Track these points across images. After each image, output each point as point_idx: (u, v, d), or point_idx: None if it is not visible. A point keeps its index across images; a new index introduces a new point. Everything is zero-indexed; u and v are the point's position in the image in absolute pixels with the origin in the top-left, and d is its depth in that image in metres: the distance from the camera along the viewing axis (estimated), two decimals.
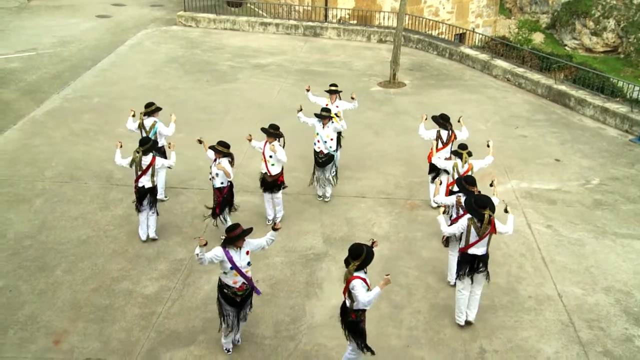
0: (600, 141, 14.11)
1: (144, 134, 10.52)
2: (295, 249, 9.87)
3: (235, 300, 7.34)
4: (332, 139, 10.72)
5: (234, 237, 7.02)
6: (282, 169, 10.11)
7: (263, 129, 9.87)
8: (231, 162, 9.38)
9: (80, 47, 19.64)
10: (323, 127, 10.64)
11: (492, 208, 7.66)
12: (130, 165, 9.55)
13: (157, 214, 9.90)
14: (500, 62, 18.27)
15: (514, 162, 12.88)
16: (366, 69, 18.58)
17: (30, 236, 9.97)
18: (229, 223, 9.55)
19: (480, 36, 21.10)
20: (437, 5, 24.69)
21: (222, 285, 7.32)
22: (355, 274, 6.62)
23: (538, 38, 28.90)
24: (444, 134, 10.60)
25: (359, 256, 6.63)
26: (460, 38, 22.43)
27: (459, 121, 10.92)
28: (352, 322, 6.87)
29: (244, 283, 7.26)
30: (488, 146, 9.95)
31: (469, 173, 9.34)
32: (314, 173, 11.07)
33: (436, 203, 10.19)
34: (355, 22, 22.82)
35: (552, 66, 17.83)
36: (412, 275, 9.31)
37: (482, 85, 17.53)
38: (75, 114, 14.68)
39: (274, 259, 9.55)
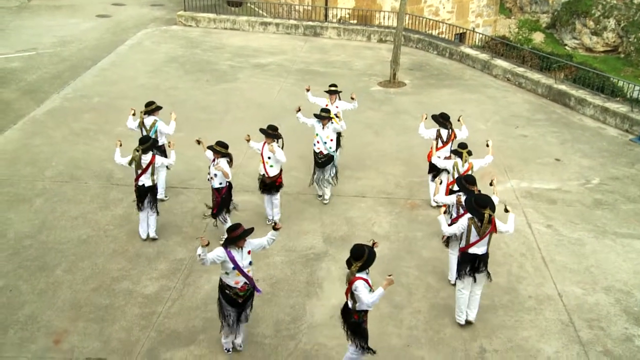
0: (600, 141, 14.11)
1: (144, 133, 10.53)
2: (296, 248, 9.87)
3: (236, 301, 7.30)
4: (331, 140, 10.70)
5: (236, 237, 7.00)
6: (281, 170, 10.09)
7: (262, 130, 9.82)
8: (230, 163, 9.33)
9: (80, 47, 19.64)
10: (323, 128, 10.61)
11: (493, 207, 7.66)
12: (130, 164, 9.54)
13: (158, 213, 9.90)
14: (500, 62, 18.27)
15: (514, 162, 12.88)
16: (366, 69, 18.58)
17: (30, 236, 9.97)
18: (229, 223, 9.57)
19: (481, 36, 21.10)
20: (437, 4, 24.69)
21: (223, 286, 7.29)
22: (358, 275, 6.61)
23: (538, 38, 28.91)
24: (444, 133, 10.61)
25: (361, 257, 6.62)
26: (461, 38, 22.43)
27: (458, 120, 10.93)
28: (355, 323, 6.86)
29: (245, 283, 7.24)
30: (487, 146, 9.96)
31: (469, 172, 9.34)
32: (314, 173, 11.06)
33: (436, 202, 10.20)
34: (355, 21, 22.82)
35: (552, 66, 17.83)
36: (413, 274, 9.31)
37: (482, 84, 17.53)
38: (75, 113, 14.68)
39: (274, 258, 9.55)
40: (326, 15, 22.81)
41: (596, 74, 16.86)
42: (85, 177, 11.83)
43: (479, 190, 8.34)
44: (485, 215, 7.57)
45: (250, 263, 7.22)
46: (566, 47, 28.96)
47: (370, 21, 22.87)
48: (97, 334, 7.98)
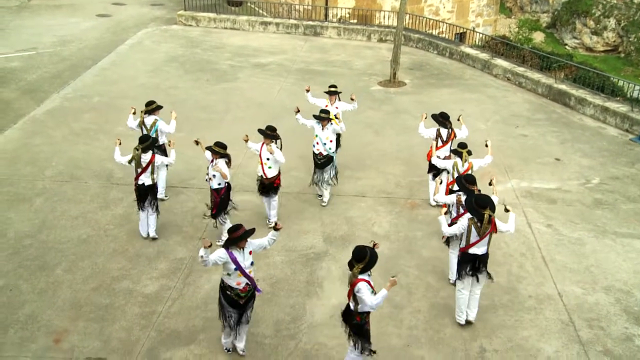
0: (600, 140, 14.11)
1: (145, 132, 10.52)
2: (296, 248, 9.87)
3: (238, 303, 7.26)
4: (331, 141, 10.65)
5: (237, 237, 6.96)
6: (279, 171, 10.07)
7: (260, 130, 9.77)
8: (228, 163, 9.28)
9: (80, 47, 19.64)
10: (322, 129, 10.56)
11: (493, 208, 7.65)
12: (130, 162, 9.54)
13: (158, 212, 9.90)
14: (500, 62, 18.27)
15: (514, 162, 12.88)
16: (366, 68, 18.58)
17: (30, 235, 9.97)
18: (228, 223, 9.56)
19: (481, 35, 21.10)
20: (438, 4, 24.69)
21: (224, 287, 7.25)
22: (360, 276, 6.59)
23: (538, 37, 28.92)
24: (444, 132, 10.61)
25: (363, 259, 6.60)
26: (461, 37, 22.43)
27: (458, 120, 10.93)
28: (358, 324, 6.85)
29: (247, 284, 7.20)
30: (486, 146, 9.95)
31: (469, 172, 9.34)
32: (314, 174, 11.03)
33: (435, 202, 10.22)
34: (355, 21, 22.83)
35: (552, 65, 17.83)
36: (412, 274, 9.31)
37: (482, 84, 17.53)
38: (75, 113, 14.68)
39: (274, 258, 9.55)
40: (326, 15, 22.81)
41: (596, 74, 16.87)
42: (85, 176, 11.83)
43: (479, 190, 8.34)
44: (485, 215, 7.57)
45: (252, 264, 7.20)
46: (566, 47, 28.97)
47: (370, 21, 22.87)
48: (97, 333, 7.98)
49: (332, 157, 10.76)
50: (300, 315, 8.40)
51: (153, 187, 9.70)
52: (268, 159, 9.79)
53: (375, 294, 6.61)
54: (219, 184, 9.39)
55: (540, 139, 14.06)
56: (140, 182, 9.58)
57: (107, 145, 12.64)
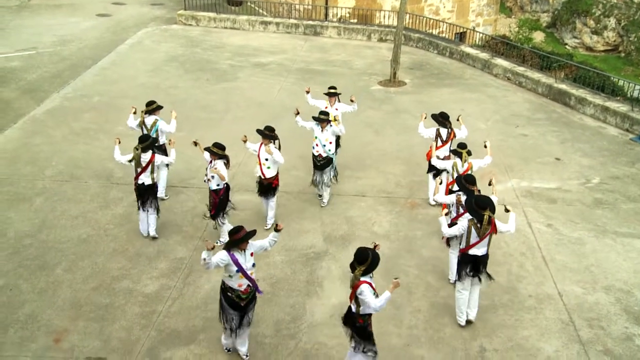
0: (600, 140, 14.10)
1: (145, 132, 10.51)
2: (296, 247, 9.87)
3: (239, 304, 7.22)
4: (330, 143, 10.59)
5: (238, 239, 6.93)
6: (277, 172, 10.05)
7: (258, 131, 9.74)
8: (227, 164, 9.26)
9: (80, 46, 19.64)
10: (322, 131, 10.50)
11: (493, 209, 7.65)
12: (130, 162, 9.54)
13: (159, 211, 9.90)
14: (500, 61, 18.27)
15: (514, 161, 12.87)
16: (366, 68, 18.58)
17: (30, 235, 9.97)
18: (226, 224, 9.56)
19: (481, 35, 21.09)
20: (438, 4, 24.68)
21: (225, 289, 7.21)
22: (362, 278, 6.57)
23: (538, 37, 28.91)
24: (443, 132, 10.61)
25: (365, 261, 6.57)
26: (461, 37, 22.42)
27: (457, 120, 10.92)
28: (361, 327, 6.83)
29: (248, 286, 7.17)
30: (485, 147, 9.92)
31: (469, 172, 9.33)
32: (314, 175, 10.99)
33: (435, 201, 10.21)
34: (355, 21, 22.82)
35: (552, 65, 17.82)
36: (412, 274, 9.31)
37: (482, 84, 17.53)
38: (75, 112, 14.68)
39: (274, 257, 9.55)
40: (326, 15, 22.80)
41: (596, 73, 16.87)
42: (85, 176, 11.83)
43: (479, 190, 8.33)
44: (485, 216, 7.56)
45: (254, 265, 7.18)
46: (566, 47, 28.97)
47: (370, 20, 22.87)
48: (97, 333, 7.98)
49: (331, 159, 10.73)
50: (300, 315, 8.40)
51: (153, 187, 9.70)
52: (267, 160, 9.77)
53: (377, 296, 6.59)
54: (218, 185, 9.38)
55: (540, 139, 14.05)
56: (140, 182, 9.58)
57: (107, 144, 12.64)
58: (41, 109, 14.87)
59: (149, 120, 10.63)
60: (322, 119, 10.41)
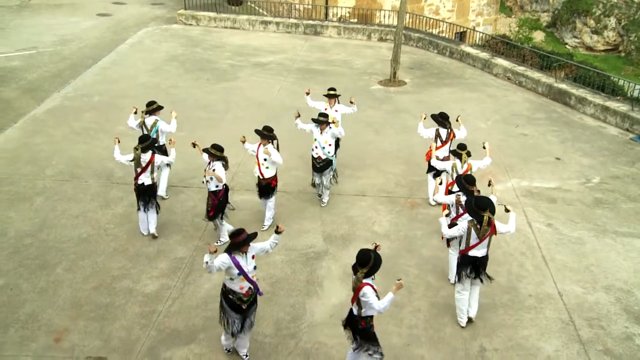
0: (600, 140, 14.10)
1: (145, 133, 10.52)
2: (296, 247, 9.88)
3: (240, 307, 7.19)
4: (330, 145, 10.54)
5: (239, 242, 6.91)
6: (276, 172, 10.04)
7: (257, 131, 9.72)
8: (225, 166, 9.26)
9: (80, 46, 19.64)
10: (321, 133, 10.47)
11: (492, 210, 7.64)
12: (131, 162, 9.55)
13: (159, 210, 9.90)
14: (500, 61, 18.27)
15: (514, 161, 12.88)
16: (366, 68, 18.58)
17: (30, 234, 9.97)
18: (225, 225, 9.56)
19: (481, 35, 21.09)
20: (438, 3, 24.68)
21: (226, 291, 7.19)
22: (365, 280, 6.56)
23: (539, 36, 28.92)
24: (443, 132, 10.60)
25: (367, 263, 6.55)
26: (461, 36, 22.42)
27: (457, 120, 10.92)
28: (364, 329, 6.81)
29: (250, 288, 7.15)
30: (484, 148, 9.90)
31: (468, 173, 9.32)
32: (313, 176, 10.97)
33: (435, 201, 10.20)
34: (355, 20, 22.82)
35: (552, 65, 17.83)
36: (413, 273, 9.31)
37: (482, 83, 17.53)
38: (75, 112, 14.68)
39: (274, 257, 9.55)
40: (326, 14, 22.81)
41: (596, 73, 16.87)
42: (85, 175, 11.83)
43: (479, 191, 8.33)
44: (485, 217, 7.56)
45: (255, 268, 7.17)
46: (567, 46, 28.98)
47: (370, 20, 22.87)
48: (98, 332, 7.98)
49: (331, 161, 10.70)
50: (301, 315, 8.41)
51: (153, 187, 9.71)
52: (265, 160, 9.75)
53: (379, 297, 6.59)
54: (217, 186, 9.36)
55: (540, 138, 14.05)
56: (140, 182, 9.59)
57: (107, 144, 12.64)
58: (41, 108, 14.88)
59: (149, 120, 10.64)
60: (321, 120, 10.38)
